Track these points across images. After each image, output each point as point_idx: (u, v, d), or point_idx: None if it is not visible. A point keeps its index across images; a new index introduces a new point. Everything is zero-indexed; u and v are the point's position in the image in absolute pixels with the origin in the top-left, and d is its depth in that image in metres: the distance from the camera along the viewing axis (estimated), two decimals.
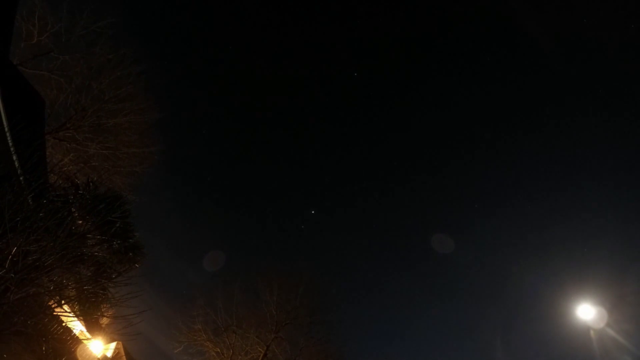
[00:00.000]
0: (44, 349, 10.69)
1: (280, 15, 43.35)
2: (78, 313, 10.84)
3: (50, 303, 9.09)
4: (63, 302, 9.48)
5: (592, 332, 21.18)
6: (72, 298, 9.88)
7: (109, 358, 20.67)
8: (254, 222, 52.46)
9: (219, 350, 25.70)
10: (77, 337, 14.24)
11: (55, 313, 9.95)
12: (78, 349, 13.96)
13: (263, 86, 48.14)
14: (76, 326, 14.78)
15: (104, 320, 14.30)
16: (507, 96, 45.74)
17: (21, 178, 9.33)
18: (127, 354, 22.13)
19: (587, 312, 21.50)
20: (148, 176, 24.56)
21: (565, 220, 44.27)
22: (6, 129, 10.20)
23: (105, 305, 11.09)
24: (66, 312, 10.03)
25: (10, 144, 10.08)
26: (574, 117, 42.44)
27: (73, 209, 10.30)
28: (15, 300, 7.61)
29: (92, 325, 15.89)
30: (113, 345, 21.21)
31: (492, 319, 47.58)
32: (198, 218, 50.33)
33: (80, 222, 10.08)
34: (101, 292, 10.55)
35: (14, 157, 9.89)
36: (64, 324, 12.67)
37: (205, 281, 34.41)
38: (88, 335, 16.00)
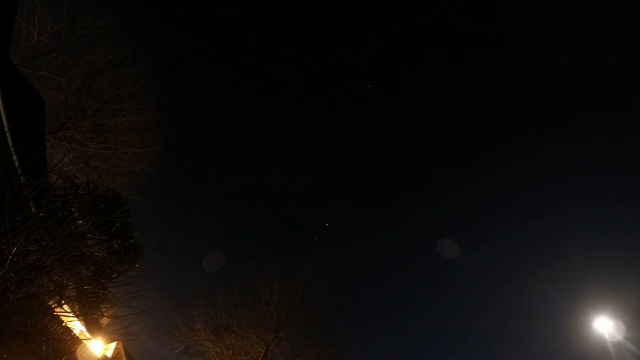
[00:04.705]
0: (44, 349, 10.68)
1: (287, 18, 43.41)
2: (78, 313, 10.84)
3: (50, 303, 9.09)
4: (63, 302, 9.48)
5: (609, 345, 20.89)
6: (72, 298, 9.88)
7: (109, 358, 20.67)
8: (256, 224, 52.49)
9: (219, 350, 25.67)
10: (77, 337, 14.24)
11: (55, 313, 9.95)
12: (78, 349, 13.96)
13: (267, 86, 48.26)
14: (76, 326, 14.77)
15: (104, 320, 14.30)
16: (524, 110, 46.01)
17: (21, 178, 9.32)
18: (127, 354, 22.12)
19: (604, 324, 21.04)
20: (148, 176, 24.57)
21: (582, 232, 44.22)
22: (6, 129, 10.20)
23: (105, 305, 11.09)
24: (66, 312, 10.03)
25: (10, 144, 10.07)
26: (590, 128, 42.55)
27: (73, 209, 10.30)
28: (15, 300, 7.60)
29: (92, 325, 15.89)
30: (113, 345, 21.21)
31: (507, 330, 47.68)
32: (199, 218, 50.35)
33: (80, 222, 10.08)
34: (101, 292, 10.56)
35: (14, 157, 9.88)
36: (64, 324, 12.67)
37: (205, 281, 34.39)
38: (88, 335, 16.00)
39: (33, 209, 9.02)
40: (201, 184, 50.81)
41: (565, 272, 43.14)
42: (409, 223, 54.49)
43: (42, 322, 10.05)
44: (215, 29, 44.51)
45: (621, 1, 33.86)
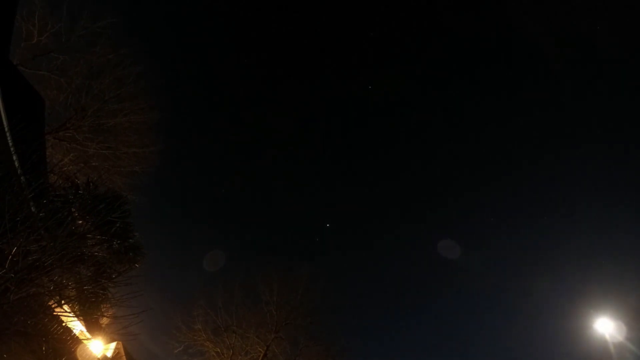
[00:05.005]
0: (44, 349, 10.68)
1: (288, 17, 43.31)
2: (78, 313, 10.83)
3: (50, 303, 9.09)
4: (63, 302, 9.48)
5: (611, 346, 20.86)
6: (72, 298, 9.88)
7: (109, 358, 20.67)
8: (257, 224, 52.42)
9: (219, 350, 25.68)
10: (77, 337, 14.24)
11: (55, 313, 9.95)
12: (78, 349, 13.96)
13: (267, 86, 48.24)
14: (76, 326, 14.77)
15: (104, 320, 14.31)
16: (525, 112, 45.99)
17: (21, 178, 9.32)
18: (127, 354, 22.13)
19: (605, 325, 21.09)
20: (148, 176, 24.58)
21: (583, 233, 44.12)
22: (6, 129, 10.20)
23: (105, 305, 11.09)
24: (66, 312, 10.03)
25: (10, 144, 10.08)
26: (591, 130, 42.64)
27: (73, 209, 10.30)
28: (15, 300, 7.60)
29: (92, 325, 15.88)
30: (113, 345, 21.22)
31: (508, 331, 47.66)
32: (199, 218, 50.35)
33: (80, 222, 10.08)
34: (101, 292, 10.55)
35: (14, 157, 9.88)
36: (64, 324, 12.66)
37: (205, 281, 34.39)
38: (88, 335, 15.99)
39: (33, 209, 9.02)
40: (201, 184, 50.79)
41: (566, 273, 43.15)
42: (410, 224, 54.50)
43: (42, 322, 10.04)
44: (215, 29, 44.54)
45: (622, 3, 33.87)
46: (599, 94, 40.30)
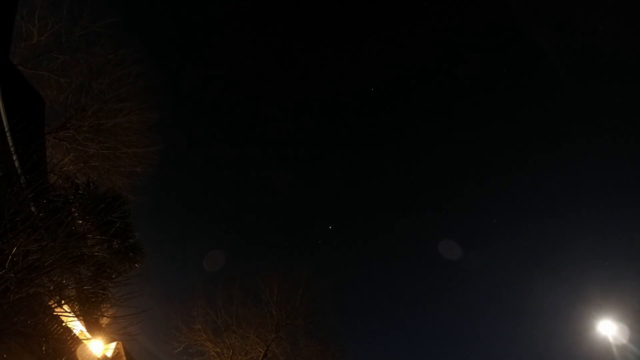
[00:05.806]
0: (44, 349, 10.67)
1: (289, 19, 43.34)
2: (78, 313, 10.82)
3: (50, 303, 9.08)
4: (63, 302, 9.47)
5: (614, 348, 20.82)
6: (72, 298, 9.87)
7: (109, 358, 20.65)
8: (258, 225, 52.48)
9: (219, 350, 25.68)
10: (77, 337, 14.22)
11: (55, 313, 9.94)
12: (78, 349, 13.94)
13: (269, 87, 48.24)
14: (76, 326, 14.75)
15: (104, 320, 14.28)
16: (527, 115, 46.19)
17: (21, 178, 9.32)
18: (127, 354, 22.11)
19: (608, 327, 21.13)
20: (148, 176, 24.59)
21: (586, 235, 44.16)
22: (6, 129, 10.20)
23: (105, 305, 11.07)
24: (66, 312, 10.02)
25: (10, 144, 10.08)
26: (593, 133, 42.63)
27: (73, 209, 10.28)
28: (15, 300, 7.60)
29: (92, 325, 15.86)
30: (113, 345, 21.20)
31: (510, 332, 47.67)
32: (199, 218, 50.35)
33: (80, 222, 10.07)
34: (101, 292, 10.53)
35: (14, 157, 9.88)
36: (64, 324, 12.65)
37: (205, 281, 34.41)
38: (88, 335, 15.97)
39: (33, 209, 9.02)
40: (201, 184, 50.82)
41: (568, 275, 43.10)
42: (412, 224, 54.60)
43: (42, 322, 10.02)
44: (215, 28, 44.55)
45: (624, 3, 33.83)
46: (601, 96, 40.38)
